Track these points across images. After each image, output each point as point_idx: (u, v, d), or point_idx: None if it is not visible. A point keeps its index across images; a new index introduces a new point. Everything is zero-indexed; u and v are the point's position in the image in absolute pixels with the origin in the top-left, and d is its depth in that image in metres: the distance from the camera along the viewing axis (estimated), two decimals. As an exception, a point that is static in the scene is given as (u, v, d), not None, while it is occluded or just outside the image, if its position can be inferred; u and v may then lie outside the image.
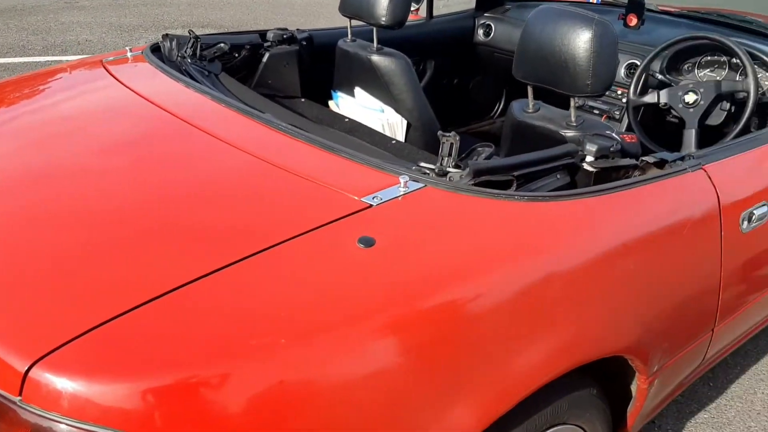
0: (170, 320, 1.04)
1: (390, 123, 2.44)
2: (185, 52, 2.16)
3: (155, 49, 2.16)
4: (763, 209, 1.75)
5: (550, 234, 1.35)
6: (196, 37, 2.19)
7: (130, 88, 1.79)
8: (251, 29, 2.57)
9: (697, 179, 1.62)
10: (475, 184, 1.42)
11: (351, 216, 1.26)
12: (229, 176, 1.41)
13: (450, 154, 1.46)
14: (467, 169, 1.42)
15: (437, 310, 1.16)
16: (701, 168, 1.64)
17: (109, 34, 6.30)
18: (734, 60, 2.48)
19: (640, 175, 1.64)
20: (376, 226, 1.25)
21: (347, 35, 2.47)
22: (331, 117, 2.38)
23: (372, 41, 2.36)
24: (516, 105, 1.91)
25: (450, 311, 1.18)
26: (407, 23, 3.18)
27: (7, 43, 5.85)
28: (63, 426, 0.95)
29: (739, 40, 2.49)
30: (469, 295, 1.20)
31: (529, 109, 1.86)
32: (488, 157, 1.56)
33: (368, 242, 1.20)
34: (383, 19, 2.23)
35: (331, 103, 2.60)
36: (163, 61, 2.09)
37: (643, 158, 1.67)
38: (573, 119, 1.74)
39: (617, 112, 2.79)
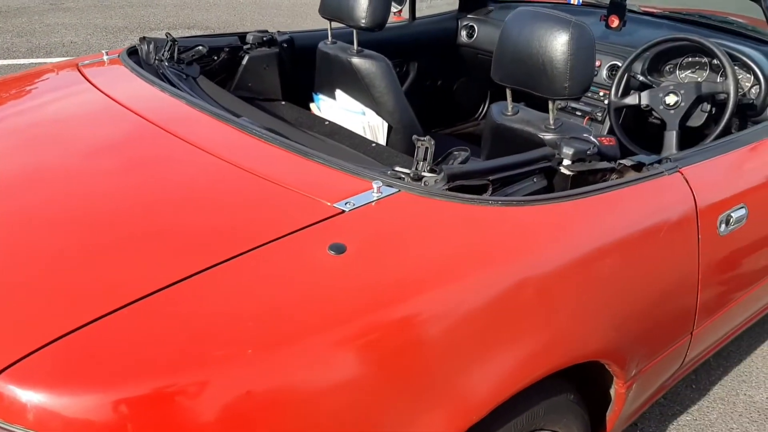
0: (136, 330, 1.02)
1: (371, 126, 2.43)
2: (162, 55, 2.15)
3: (132, 52, 2.14)
4: (741, 212, 1.75)
5: (523, 239, 1.34)
6: (174, 40, 2.18)
7: (104, 93, 1.77)
8: (237, 31, 2.55)
9: (673, 182, 1.61)
10: (450, 189, 1.40)
11: (322, 222, 1.25)
12: (198, 182, 1.39)
13: (425, 159, 1.46)
14: (441, 174, 1.41)
15: (408, 318, 1.15)
16: (678, 171, 1.64)
17: (95, 35, 6.26)
18: (715, 61, 2.48)
19: (617, 178, 1.63)
20: (348, 233, 1.24)
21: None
22: (311, 120, 2.37)
23: (354, 43, 2.35)
24: (495, 108, 1.90)
25: (421, 318, 1.16)
26: (390, 25, 3.19)
27: (-10, 45, 5.82)
28: (26, 439, 0.93)
29: (720, 41, 2.50)
30: (441, 302, 1.19)
31: (508, 112, 1.86)
32: (464, 161, 1.55)
33: (339, 249, 1.19)
34: (363, 21, 2.22)
35: (312, 105, 2.59)
36: (141, 65, 2.07)
37: (621, 161, 1.66)
38: (551, 122, 1.74)
39: (599, 114, 2.78)
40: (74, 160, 1.47)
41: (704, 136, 2.41)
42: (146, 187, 1.37)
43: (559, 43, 1.60)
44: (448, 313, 1.19)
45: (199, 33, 6.47)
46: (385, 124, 2.39)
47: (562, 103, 2.87)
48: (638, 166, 1.65)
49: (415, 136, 1.48)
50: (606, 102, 2.69)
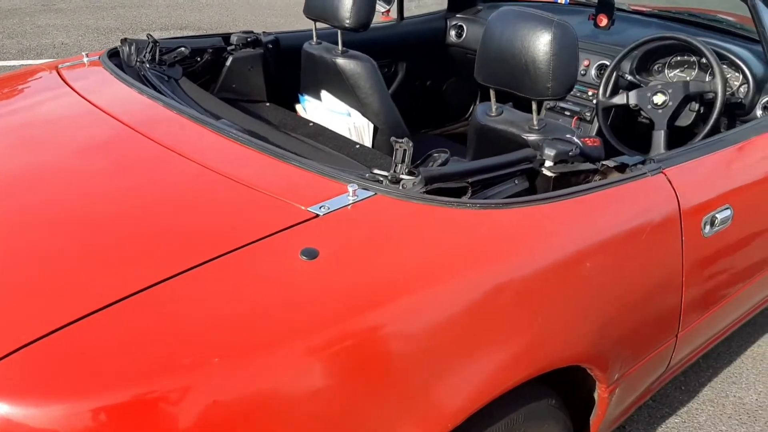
0: (103, 338, 1.00)
1: (356, 126, 2.40)
2: (144, 56, 2.12)
3: (114, 54, 2.12)
4: (727, 213, 1.72)
5: (501, 242, 1.32)
6: (155, 42, 2.15)
7: (81, 96, 1.75)
8: (229, 31, 2.52)
9: (656, 183, 1.59)
10: (428, 192, 1.38)
11: (295, 227, 1.22)
12: (170, 187, 1.37)
13: (403, 161, 1.43)
14: (419, 177, 1.39)
15: (380, 325, 1.12)
16: (661, 172, 1.62)
17: (86, 37, 6.24)
18: (703, 60, 2.46)
19: (600, 179, 1.61)
20: (322, 237, 1.22)
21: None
22: (295, 121, 2.35)
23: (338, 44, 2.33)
24: (480, 108, 1.89)
25: (393, 325, 1.14)
26: (378, 25, 3.17)
27: (-19, 47, 5.79)
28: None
29: (709, 39, 2.48)
30: (414, 308, 1.16)
31: (492, 113, 1.84)
32: (443, 163, 1.53)
33: (311, 254, 1.17)
34: (347, 21, 2.20)
35: (298, 106, 2.56)
36: (122, 67, 2.05)
37: (604, 162, 1.65)
38: (535, 123, 1.72)
39: (588, 114, 2.77)
40: (45, 165, 1.45)
41: (693, 136, 2.39)
42: (116, 191, 1.35)
43: (541, 43, 1.58)
44: (423, 320, 1.17)
45: (191, 33, 6.45)
46: (371, 125, 2.37)
47: (551, 103, 2.86)
48: (621, 167, 1.63)
49: (393, 138, 1.46)
50: (595, 102, 2.67)
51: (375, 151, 2.15)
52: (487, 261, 1.28)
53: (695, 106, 2.41)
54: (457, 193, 1.45)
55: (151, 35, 2.18)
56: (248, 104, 2.46)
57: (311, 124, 2.32)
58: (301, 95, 2.56)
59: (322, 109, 2.47)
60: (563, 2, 2.81)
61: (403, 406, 1.15)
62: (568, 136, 1.67)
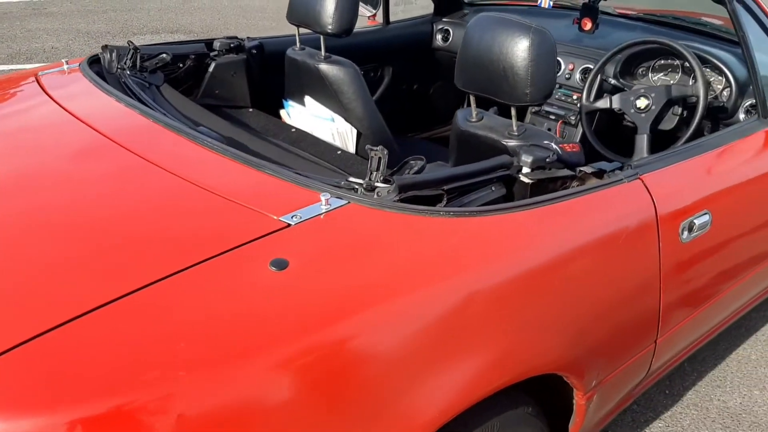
0: (63, 354, 0.99)
1: (340, 132, 2.40)
2: (125, 63, 2.12)
3: (94, 61, 2.11)
4: (705, 218, 1.72)
5: (474, 250, 1.32)
6: (136, 48, 2.15)
7: (58, 104, 1.74)
8: (221, 34, 2.52)
9: (633, 189, 1.59)
10: (403, 200, 1.38)
11: (266, 237, 1.22)
12: (141, 197, 1.36)
13: (378, 169, 1.43)
14: (394, 185, 1.38)
15: (349, 337, 1.12)
16: (638, 178, 1.62)
17: (77, 41, 6.23)
18: (687, 64, 2.46)
19: (578, 185, 1.61)
20: (293, 247, 1.21)
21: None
22: (277, 127, 2.34)
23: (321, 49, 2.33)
24: (460, 114, 1.88)
25: (365, 335, 1.14)
26: (364, 29, 3.17)
27: (-30, 51, 5.78)
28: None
29: (693, 43, 2.48)
30: (385, 318, 1.16)
31: (472, 118, 1.83)
32: (419, 171, 1.53)
33: (281, 265, 1.16)
34: (329, 27, 2.19)
35: (282, 112, 2.56)
36: (103, 74, 2.04)
37: (581, 168, 1.64)
38: (515, 128, 1.71)
39: (573, 117, 2.76)
40: (14, 175, 1.44)
41: (676, 139, 2.39)
42: (84, 202, 1.34)
43: (519, 50, 1.58)
44: (393, 330, 1.17)
45: (182, 37, 6.44)
46: (354, 131, 2.37)
47: (536, 107, 2.85)
48: (599, 173, 1.63)
49: (368, 146, 1.46)
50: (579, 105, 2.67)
51: (356, 157, 2.15)
52: (460, 269, 1.28)
53: (678, 109, 2.41)
54: (433, 200, 1.45)
55: (131, 42, 2.17)
56: (231, 110, 2.45)
57: (293, 129, 2.32)
58: (286, 100, 2.55)
59: (306, 115, 2.47)
60: (546, 6, 2.80)
61: (374, 417, 1.14)
62: (546, 142, 1.66)
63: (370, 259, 1.24)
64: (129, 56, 2.13)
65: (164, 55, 2.26)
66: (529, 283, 1.35)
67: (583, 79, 2.73)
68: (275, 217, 1.27)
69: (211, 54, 2.46)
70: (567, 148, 1.69)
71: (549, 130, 2.82)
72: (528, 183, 1.61)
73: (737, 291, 2.03)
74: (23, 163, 1.49)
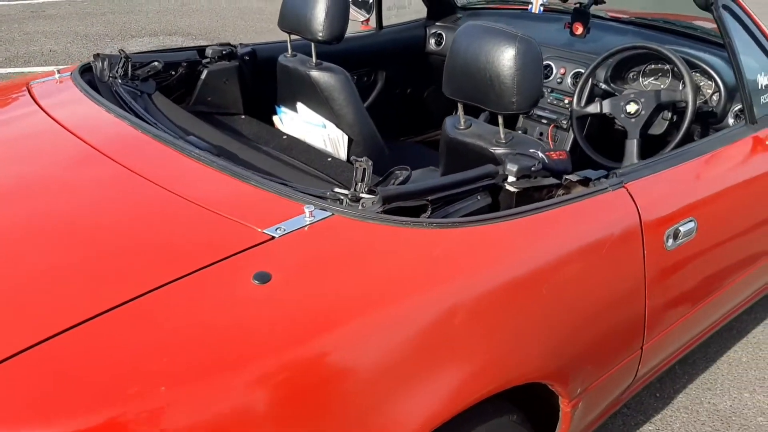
0: (48, 369, 1.01)
1: (331, 138, 2.41)
2: (116, 72, 2.13)
3: (86, 69, 2.12)
4: (690, 225, 1.74)
5: (457, 261, 1.33)
6: (127, 57, 2.16)
7: (48, 114, 1.75)
8: (219, 36, 2.54)
9: (617, 198, 1.60)
10: (387, 211, 1.39)
11: (249, 250, 1.23)
12: (126, 209, 1.38)
13: (363, 179, 1.44)
14: (377, 196, 1.40)
15: (332, 350, 1.13)
16: (623, 186, 1.63)
17: (75, 43, 6.25)
18: (676, 69, 2.47)
19: (564, 193, 1.62)
20: (276, 260, 1.23)
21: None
22: (269, 134, 2.36)
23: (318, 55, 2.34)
24: (449, 121, 1.90)
25: (348, 347, 1.15)
26: (357, 34, 3.18)
27: (-32, 55, 5.79)
28: None
29: (683, 48, 2.49)
30: (368, 329, 1.17)
31: (460, 126, 1.85)
32: (404, 181, 1.54)
33: (263, 278, 1.17)
34: (320, 34, 2.21)
35: (275, 118, 2.57)
36: (95, 82, 2.06)
37: (567, 177, 1.66)
38: (502, 136, 1.72)
39: (565, 122, 2.77)
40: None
41: (666, 144, 2.40)
42: (68, 214, 1.36)
43: (505, 58, 1.60)
44: (376, 341, 1.18)
45: (181, 39, 6.46)
46: (345, 137, 2.38)
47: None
48: (585, 182, 1.64)
49: (353, 157, 1.47)
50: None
51: (346, 164, 2.16)
52: (443, 280, 1.29)
53: (668, 114, 2.42)
54: (417, 211, 1.46)
55: (123, 50, 2.18)
56: (223, 117, 2.47)
57: (285, 136, 2.33)
58: (278, 107, 2.57)
59: (299, 121, 2.48)
60: (537, 11, 2.81)
61: (358, 427, 1.16)
62: (532, 150, 1.68)
63: (353, 272, 1.25)
64: (120, 65, 2.15)
65: (156, 63, 2.28)
66: (512, 293, 1.36)
67: (575, 84, 2.73)
68: (259, 230, 1.28)
69: (203, 61, 2.48)
70: (553, 155, 1.70)
71: (541, 134, 2.84)
72: (513, 192, 1.62)
73: (724, 296, 2.05)
74: (6, 173, 1.51)
